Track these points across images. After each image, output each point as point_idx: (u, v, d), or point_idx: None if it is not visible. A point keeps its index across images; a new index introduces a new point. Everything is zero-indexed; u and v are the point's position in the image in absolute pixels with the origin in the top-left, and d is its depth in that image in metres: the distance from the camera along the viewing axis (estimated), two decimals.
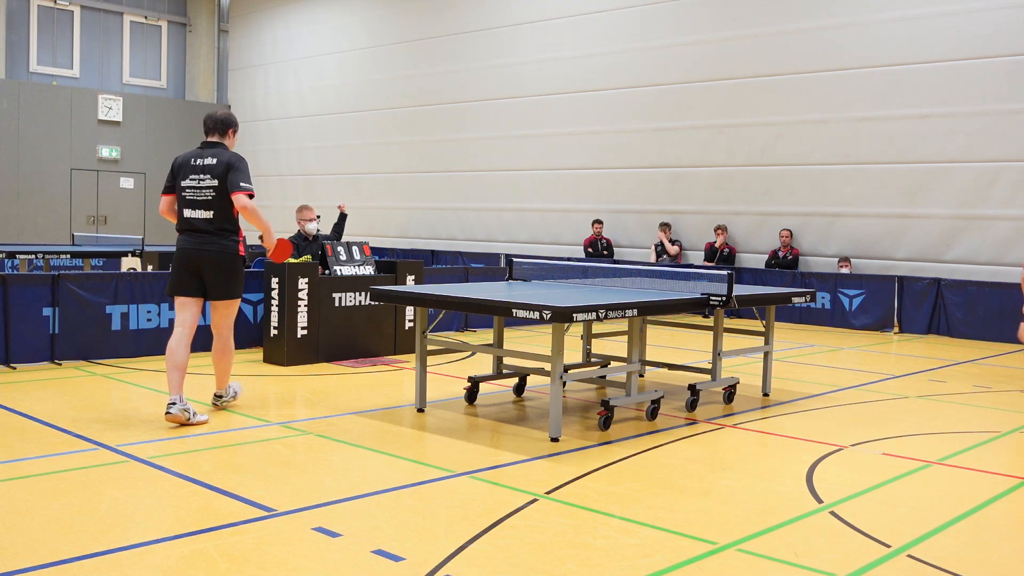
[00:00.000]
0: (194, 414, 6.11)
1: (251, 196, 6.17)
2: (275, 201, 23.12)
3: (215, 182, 6.14)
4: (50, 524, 4.14)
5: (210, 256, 6.18)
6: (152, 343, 8.92)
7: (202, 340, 9.34)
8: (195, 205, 6.19)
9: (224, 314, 6.41)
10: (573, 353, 8.47)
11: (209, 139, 6.38)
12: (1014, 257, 12.71)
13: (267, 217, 6.41)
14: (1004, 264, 12.81)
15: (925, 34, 13.31)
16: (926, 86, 13.32)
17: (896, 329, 13.08)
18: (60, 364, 8.31)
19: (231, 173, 6.12)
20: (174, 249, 6.36)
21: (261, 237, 6.43)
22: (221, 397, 6.66)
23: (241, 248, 6.37)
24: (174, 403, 6.04)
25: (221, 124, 6.39)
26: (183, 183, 6.24)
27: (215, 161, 6.18)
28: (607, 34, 16.81)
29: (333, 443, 5.82)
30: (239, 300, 6.48)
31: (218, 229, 6.19)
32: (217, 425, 6.18)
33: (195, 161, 6.22)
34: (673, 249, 15.64)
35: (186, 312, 6.25)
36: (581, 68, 17.15)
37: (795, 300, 8.06)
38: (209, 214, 6.17)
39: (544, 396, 7.43)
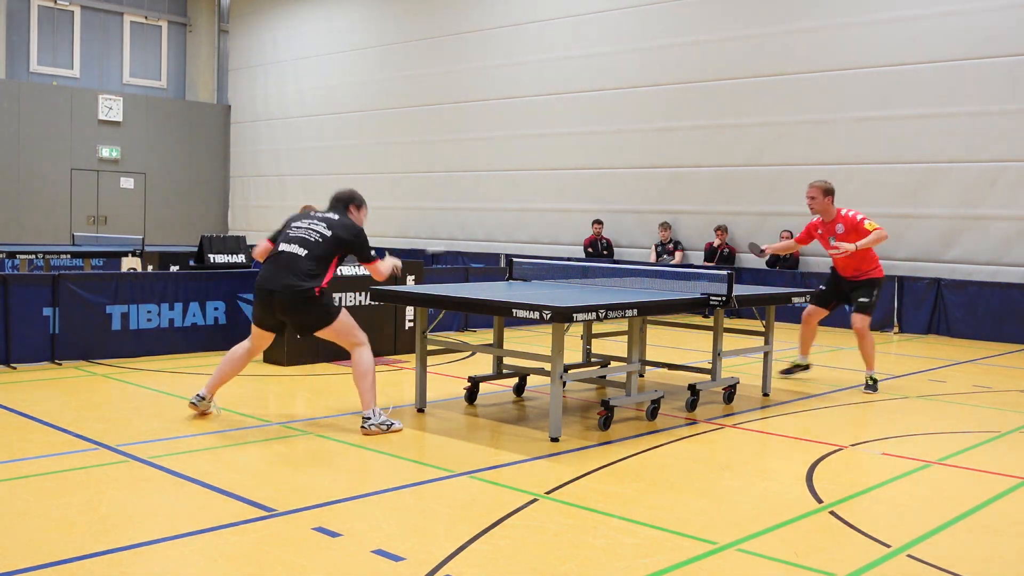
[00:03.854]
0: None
1: None
2: (275, 201, 23.12)
3: None
4: (50, 524, 4.14)
5: None
6: (152, 343, 8.93)
7: (203, 341, 9.35)
8: None
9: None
10: (573, 353, 8.47)
11: None
12: (1014, 257, 12.71)
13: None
14: (1004, 264, 12.80)
15: (925, 34, 13.30)
16: (926, 86, 13.31)
17: (896, 329, 13.08)
18: (60, 364, 8.31)
19: None
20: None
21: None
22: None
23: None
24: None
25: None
26: None
27: None
28: (607, 34, 16.80)
29: (333, 443, 5.82)
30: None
31: None
32: (217, 425, 6.19)
33: None
34: (677, 256, 15.62)
35: None
36: (581, 68, 17.14)
37: (795, 300, 8.08)
38: None
39: (544, 396, 7.42)
